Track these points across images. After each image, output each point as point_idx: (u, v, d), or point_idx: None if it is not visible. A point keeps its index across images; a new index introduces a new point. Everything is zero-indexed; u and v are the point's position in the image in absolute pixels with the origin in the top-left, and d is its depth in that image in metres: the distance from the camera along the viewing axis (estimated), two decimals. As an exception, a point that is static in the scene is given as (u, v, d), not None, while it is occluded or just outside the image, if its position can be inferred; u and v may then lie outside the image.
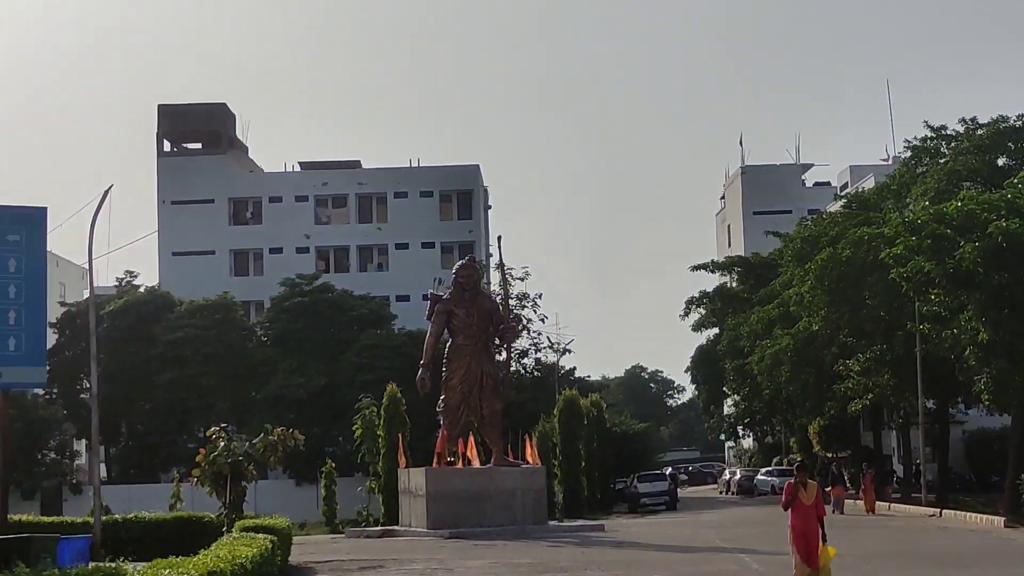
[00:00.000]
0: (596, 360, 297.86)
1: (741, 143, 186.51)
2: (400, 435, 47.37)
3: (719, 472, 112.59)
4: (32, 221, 27.65)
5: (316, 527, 50.41)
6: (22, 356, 26.82)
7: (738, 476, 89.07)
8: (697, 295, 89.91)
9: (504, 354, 47.08)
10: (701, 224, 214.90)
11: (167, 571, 15.03)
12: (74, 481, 78.12)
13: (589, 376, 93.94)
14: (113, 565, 13.93)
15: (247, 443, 38.09)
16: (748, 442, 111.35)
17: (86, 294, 55.51)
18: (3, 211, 27.87)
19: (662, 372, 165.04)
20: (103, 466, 67.05)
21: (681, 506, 68.61)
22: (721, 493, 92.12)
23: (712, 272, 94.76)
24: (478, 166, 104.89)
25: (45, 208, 28.00)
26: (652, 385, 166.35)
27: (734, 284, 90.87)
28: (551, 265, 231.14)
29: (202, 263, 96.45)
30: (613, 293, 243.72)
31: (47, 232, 28.16)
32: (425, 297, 46.84)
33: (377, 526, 45.53)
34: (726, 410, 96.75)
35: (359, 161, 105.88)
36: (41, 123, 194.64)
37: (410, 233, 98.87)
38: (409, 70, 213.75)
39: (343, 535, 44.15)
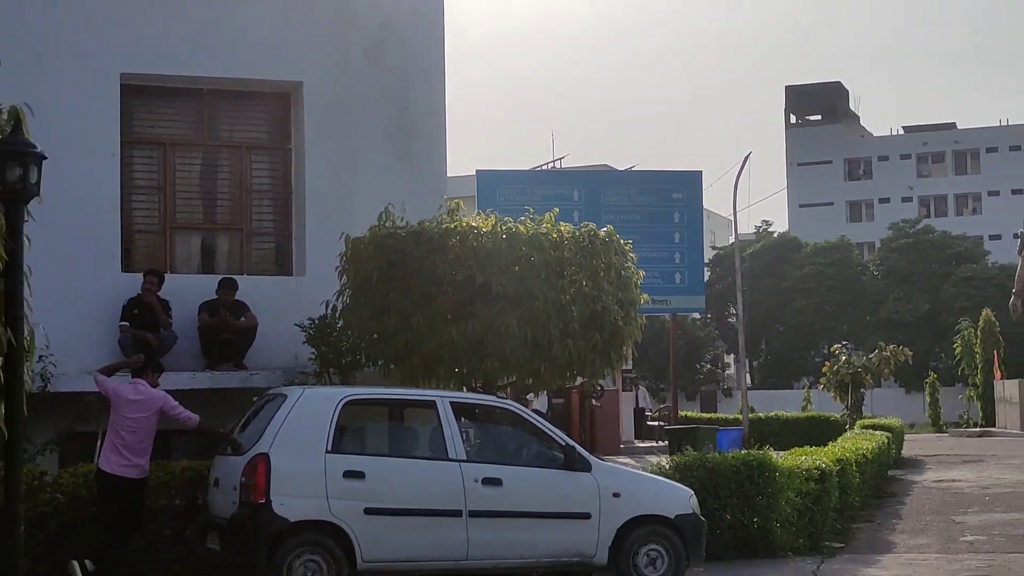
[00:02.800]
0: None
1: None
2: (995, 352, 45.06)
3: None
4: (690, 182, 28.20)
5: (922, 427, 48.54)
6: (685, 287, 27.56)
7: None
8: None
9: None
10: None
11: (803, 457, 14.96)
12: (724, 387, 79.65)
13: None
14: (761, 452, 13.89)
15: (864, 358, 37.89)
16: None
17: (731, 240, 56.38)
18: (669, 175, 28.60)
19: None
20: (747, 375, 67.97)
21: None
22: None
23: None
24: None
25: (700, 172, 28.51)
26: None
27: None
28: None
29: (823, 212, 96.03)
30: None
31: (702, 190, 28.76)
32: (1015, 235, 43.91)
33: (975, 428, 43.47)
34: None
35: (955, 123, 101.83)
36: (694, 101, 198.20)
37: (1001, 182, 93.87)
38: (997, 31, 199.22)
39: (946, 434, 42.34)
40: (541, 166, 42.55)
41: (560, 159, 51.59)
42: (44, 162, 6.07)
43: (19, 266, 5.95)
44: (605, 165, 56.62)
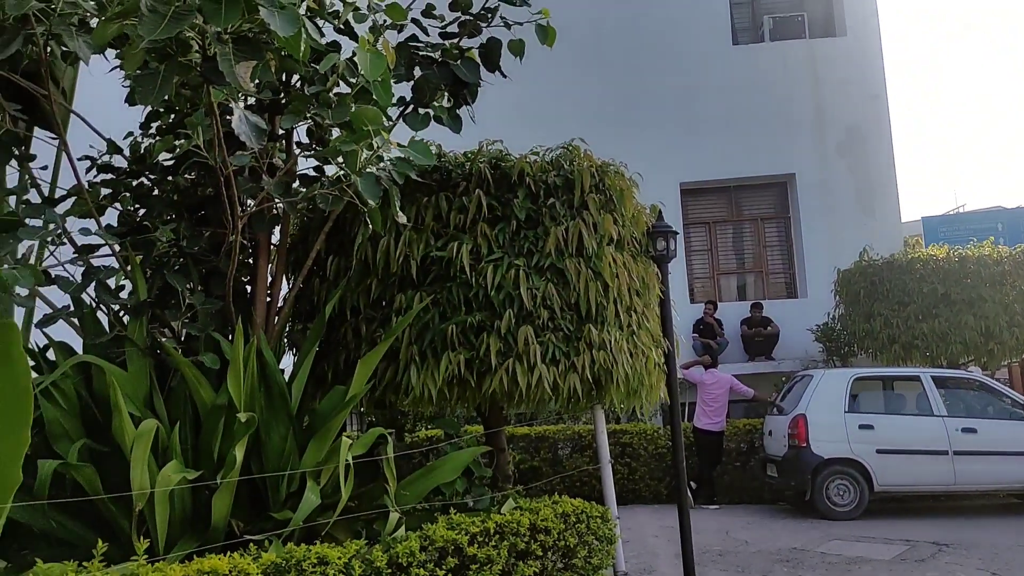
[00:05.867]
0: None
1: None
2: None
3: None
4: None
5: None
6: None
7: None
8: None
9: None
10: None
11: None
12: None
13: None
14: None
15: None
16: None
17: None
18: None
19: None
20: None
21: None
22: None
23: None
24: None
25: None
26: None
27: None
28: None
29: None
30: None
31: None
32: None
33: None
34: None
35: None
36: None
37: None
38: None
39: None
40: (951, 211, 38.06)
41: (962, 205, 46.07)
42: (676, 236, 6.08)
43: (668, 299, 6.05)
44: (998, 205, 49.68)
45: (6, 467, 3.25)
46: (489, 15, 5.23)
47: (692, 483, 11.00)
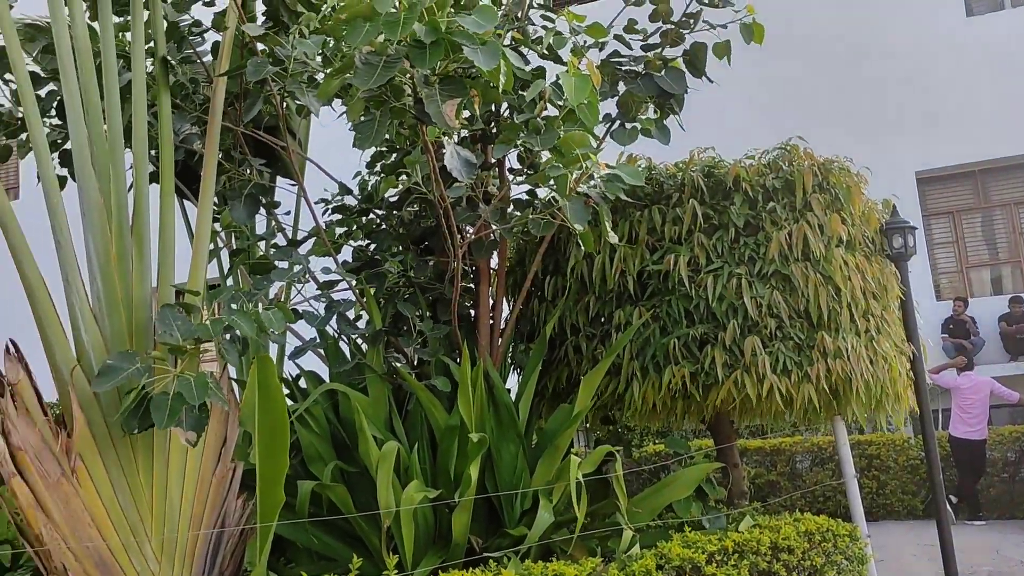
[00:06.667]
0: None
1: None
2: None
3: None
4: None
5: None
6: None
7: None
8: None
9: None
10: None
11: None
12: None
13: None
14: None
15: None
16: None
17: None
18: None
19: None
20: None
21: None
22: None
23: None
24: None
25: None
26: None
27: None
28: None
29: None
30: None
31: None
32: None
33: None
34: None
35: None
36: None
37: None
38: None
39: None
40: None
41: None
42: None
43: (910, 300, 5.61)
44: None
45: (271, 488, 3.60)
46: (691, 21, 5.14)
47: (952, 497, 10.06)
